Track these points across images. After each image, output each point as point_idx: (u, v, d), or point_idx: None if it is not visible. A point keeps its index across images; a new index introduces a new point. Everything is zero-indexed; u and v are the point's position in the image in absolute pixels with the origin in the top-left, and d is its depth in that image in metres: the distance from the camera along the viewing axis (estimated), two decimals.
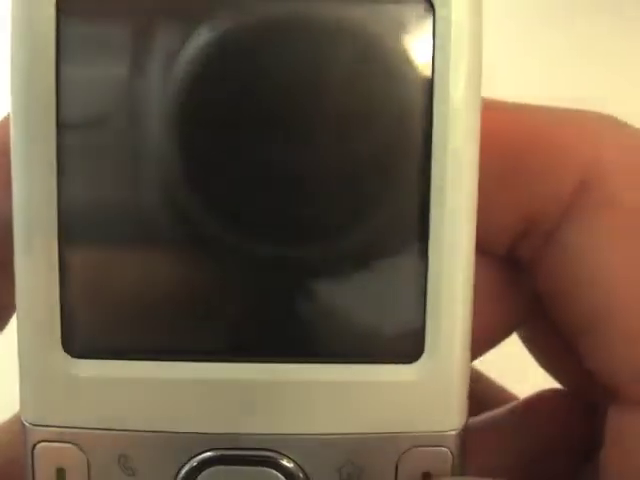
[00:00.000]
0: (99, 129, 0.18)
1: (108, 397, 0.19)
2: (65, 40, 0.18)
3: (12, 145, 0.18)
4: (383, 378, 0.19)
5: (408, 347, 0.19)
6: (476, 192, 0.19)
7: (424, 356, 0.19)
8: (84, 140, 0.18)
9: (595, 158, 0.20)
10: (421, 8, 0.18)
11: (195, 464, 0.19)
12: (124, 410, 0.19)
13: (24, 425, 0.19)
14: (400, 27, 0.18)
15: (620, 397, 0.20)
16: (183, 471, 0.19)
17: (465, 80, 0.18)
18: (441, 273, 0.19)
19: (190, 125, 0.18)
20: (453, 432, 0.19)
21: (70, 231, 0.18)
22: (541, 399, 0.24)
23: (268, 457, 0.19)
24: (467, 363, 0.19)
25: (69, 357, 0.19)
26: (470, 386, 0.20)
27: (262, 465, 0.19)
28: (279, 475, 0.19)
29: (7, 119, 0.20)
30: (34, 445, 0.19)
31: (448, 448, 0.19)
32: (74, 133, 0.18)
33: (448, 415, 0.19)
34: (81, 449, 0.19)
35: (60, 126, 0.18)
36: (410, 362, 0.19)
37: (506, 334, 0.23)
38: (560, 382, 0.25)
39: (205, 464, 0.19)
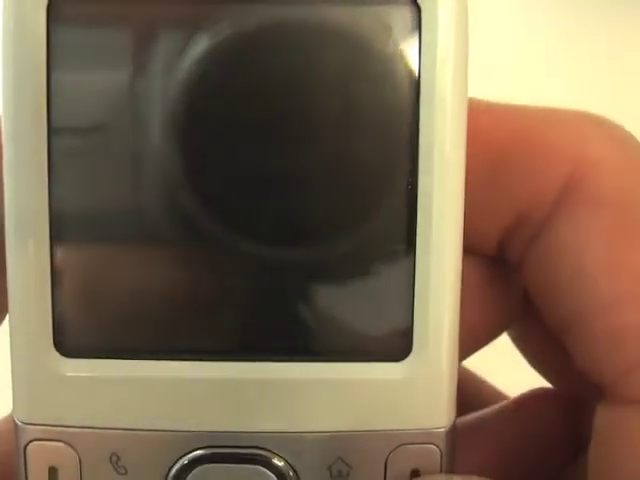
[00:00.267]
0: (89, 131, 0.19)
1: (100, 396, 0.19)
2: (56, 44, 0.18)
3: (4, 146, 0.18)
4: (372, 376, 0.19)
5: (396, 345, 0.19)
6: (463, 192, 0.19)
7: (412, 354, 0.19)
8: (75, 142, 0.19)
9: (580, 157, 0.20)
10: (407, 10, 0.18)
11: (186, 462, 0.19)
12: (115, 409, 0.19)
13: (16, 424, 0.19)
14: (386, 29, 0.18)
15: (607, 395, 0.21)
16: (174, 469, 0.19)
17: (452, 81, 0.18)
18: (428, 272, 0.19)
19: (181, 128, 0.18)
20: (442, 429, 0.19)
21: (61, 231, 0.19)
22: (530, 398, 0.25)
23: (258, 455, 0.19)
24: (455, 361, 0.19)
25: (61, 356, 0.19)
26: (460, 385, 0.20)
27: (252, 463, 0.19)
28: (269, 473, 0.19)
29: None
30: (26, 444, 0.19)
31: (437, 445, 0.19)
32: (65, 135, 0.18)
33: (437, 413, 0.19)
34: (73, 448, 0.19)
35: (51, 128, 0.18)
36: (398, 360, 0.19)
37: (495, 334, 0.23)
38: (550, 381, 0.25)
39: (196, 462, 0.19)
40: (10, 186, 0.18)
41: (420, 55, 0.18)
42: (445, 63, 0.18)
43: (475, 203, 0.19)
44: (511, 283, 0.22)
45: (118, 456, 0.19)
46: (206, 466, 0.19)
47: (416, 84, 0.18)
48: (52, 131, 0.18)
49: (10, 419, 0.20)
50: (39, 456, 0.19)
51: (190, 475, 0.19)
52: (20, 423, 0.19)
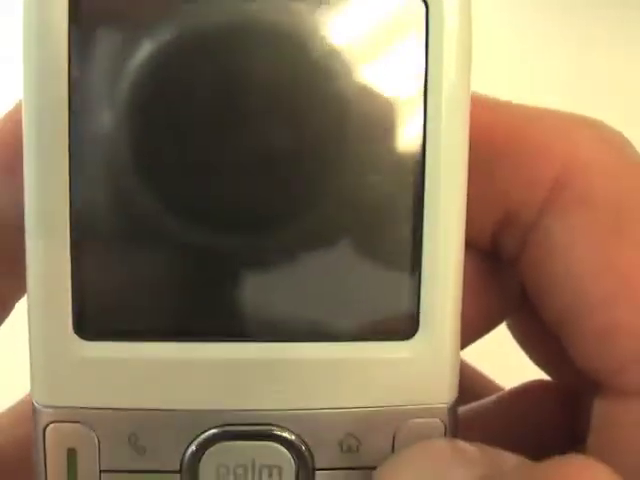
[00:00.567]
0: (107, 123, 0.19)
1: (117, 377, 0.20)
2: (78, 43, 0.19)
3: (25, 133, 0.19)
4: (380, 355, 0.20)
5: (404, 325, 0.20)
6: (466, 180, 0.20)
7: (419, 333, 0.20)
8: (95, 130, 0.19)
9: (571, 155, 0.21)
10: (415, 6, 0.19)
11: (202, 441, 0.20)
12: (133, 390, 0.20)
13: (35, 407, 0.20)
14: (393, 24, 0.19)
15: (603, 388, 0.21)
16: (191, 448, 0.20)
17: (457, 75, 0.19)
18: (435, 256, 0.20)
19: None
20: (445, 405, 0.20)
21: (80, 218, 0.19)
22: (527, 390, 0.25)
23: (272, 432, 0.20)
24: (458, 341, 0.20)
25: (79, 339, 0.19)
26: None
27: (266, 439, 0.20)
28: (283, 449, 0.20)
29: (15, 111, 0.20)
30: (45, 426, 0.20)
31: (441, 420, 0.20)
32: (86, 122, 0.19)
33: (441, 389, 0.20)
34: (92, 429, 0.20)
35: (72, 116, 0.19)
36: (406, 339, 0.20)
37: (492, 325, 0.24)
38: (547, 373, 0.25)
39: (211, 441, 0.20)
40: (31, 173, 0.19)
41: (427, 50, 0.19)
42: (451, 57, 0.19)
43: (470, 197, 0.20)
44: (507, 276, 0.23)
45: (137, 436, 0.20)
46: (221, 444, 0.20)
47: (423, 78, 0.19)
48: (73, 116, 0.19)
49: (27, 402, 0.20)
50: (58, 438, 0.20)
51: (206, 453, 0.20)
52: (39, 406, 0.20)
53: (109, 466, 0.20)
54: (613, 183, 0.21)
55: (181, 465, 0.20)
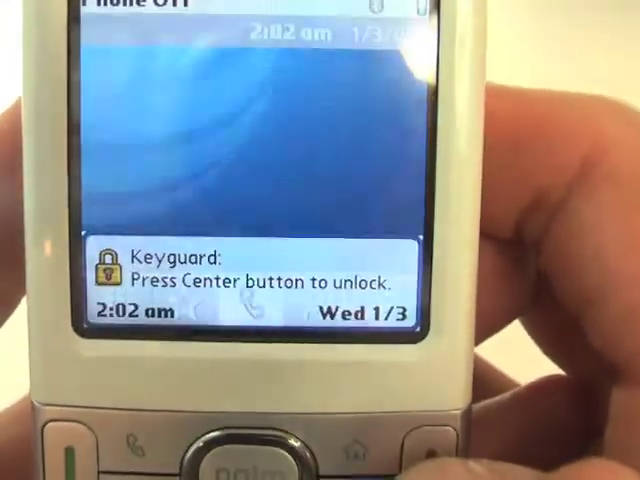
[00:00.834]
0: (109, 121, 0.19)
1: (117, 377, 0.19)
2: (76, 38, 0.18)
3: (24, 132, 0.19)
4: (389, 358, 0.19)
5: (413, 327, 0.19)
6: (480, 176, 0.19)
7: (429, 336, 0.19)
8: (95, 129, 0.19)
9: (599, 134, 0.20)
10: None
11: (202, 444, 0.19)
12: (132, 389, 0.19)
13: (34, 405, 0.19)
14: (406, 10, 0.18)
15: (623, 374, 0.21)
16: (191, 450, 0.19)
17: (470, 65, 0.19)
18: (446, 255, 0.19)
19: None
20: (457, 411, 0.19)
21: (80, 215, 0.19)
22: (543, 385, 0.25)
23: (275, 436, 0.19)
24: (471, 344, 0.20)
25: (79, 337, 0.19)
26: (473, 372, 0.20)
27: (269, 444, 0.19)
28: (286, 454, 0.19)
29: (14, 109, 0.20)
30: (43, 425, 0.19)
31: (453, 427, 0.19)
32: (85, 120, 0.19)
33: (452, 395, 0.19)
34: (90, 428, 0.19)
35: (71, 115, 0.19)
36: (415, 342, 0.19)
37: (509, 319, 0.24)
38: (562, 368, 0.25)
39: (212, 443, 0.19)
40: (30, 172, 0.19)
41: (439, 39, 0.18)
42: (464, 47, 0.18)
43: (493, 186, 0.19)
44: (525, 268, 0.22)
45: (135, 437, 0.19)
46: (223, 447, 0.19)
47: (435, 67, 0.18)
48: (70, 109, 0.18)
49: (27, 400, 0.20)
50: (56, 436, 0.19)
51: (207, 456, 0.19)
52: (37, 404, 0.19)
53: (107, 467, 0.19)
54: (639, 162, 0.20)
55: (180, 468, 0.19)
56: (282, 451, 0.19)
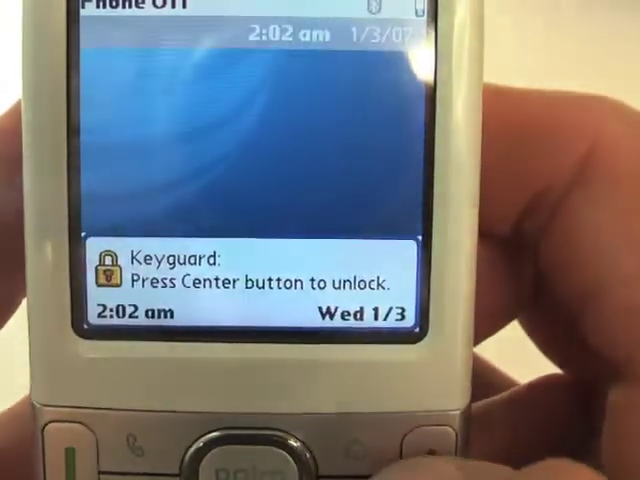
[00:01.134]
0: (108, 122, 0.19)
1: (116, 377, 0.19)
2: (75, 38, 0.18)
3: (24, 133, 0.19)
4: (388, 358, 0.19)
5: (412, 328, 0.19)
6: (478, 176, 0.19)
7: (428, 336, 0.19)
8: (95, 130, 0.19)
9: (598, 134, 0.20)
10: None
11: (202, 444, 0.19)
12: (132, 390, 0.19)
13: (34, 406, 0.19)
14: (404, 10, 0.19)
15: (621, 372, 0.21)
16: (190, 451, 0.19)
17: (468, 64, 0.19)
18: (445, 256, 0.19)
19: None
20: (457, 411, 0.19)
21: (79, 216, 0.19)
22: (541, 384, 0.25)
23: (275, 436, 0.19)
24: (470, 344, 0.20)
25: (79, 338, 0.19)
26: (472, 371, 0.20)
27: (269, 444, 0.19)
28: (285, 454, 0.19)
29: (15, 110, 0.20)
30: (44, 425, 0.19)
31: (452, 427, 0.19)
32: (85, 121, 0.19)
33: (452, 394, 0.19)
34: (90, 429, 0.19)
35: (71, 116, 0.19)
36: (414, 342, 0.19)
37: (508, 319, 0.24)
38: (560, 367, 0.25)
39: (212, 444, 0.19)
40: (30, 168, 0.19)
41: (436, 40, 0.19)
42: (462, 47, 0.19)
43: (492, 185, 0.20)
44: (523, 267, 0.22)
45: (135, 437, 0.19)
46: (222, 447, 0.19)
47: (433, 68, 0.19)
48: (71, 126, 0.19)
49: (27, 402, 0.20)
50: (56, 437, 0.19)
51: (207, 457, 0.19)
52: (38, 405, 0.19)
53: (108, 467, 0.19)
54: (638, 160, 0.20)
55: (180, 468, 0.19)
56: (282, 451, 0.19)
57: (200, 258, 0.19)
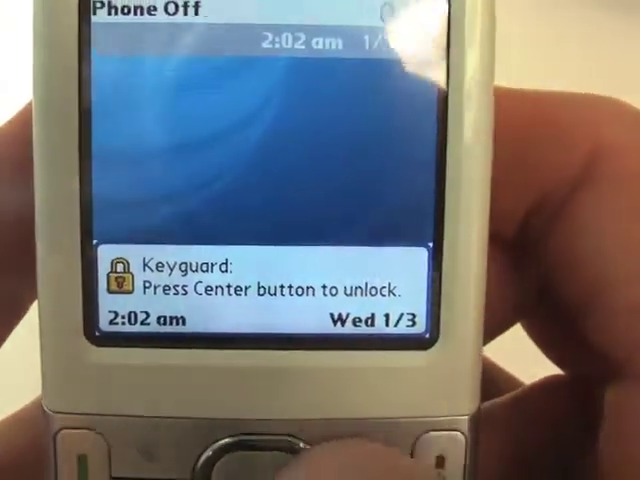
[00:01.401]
0: (121, 122, 0.19)
1: (129, 384, 0.19)
2: (88, 35, 0.18)
3: (35, 133, 0.19)
4: (399, 364, 0.19)
5: (423, 334, 0.19)
6: (489, 184, 0.19)
7: (439, 342, 0.19)
8: (107, 130, 0.19)
9: (601, 135, 0.21)
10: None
11: (215, 450, 0.19)
12: (145, 396, 0.19)
13: (46, 412, 0.19)
14: (416, 16, 0.19)
15: (621, 371, 0.21)
16: (203, 457, 0.19)
17: (479, 68, 0.19)
18: (456, 262, 0.19)
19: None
20: (467, 416, 0.20)
21: (91, 220, 0.19)
22: (543, 386, 0.25)
23: (287, 442, 0.19)
24: (480, 349, 0.20)
25: (91, 345, 0.19)
26: None
27: (281, 450, 0.19)
28: None
29: (25, 111, 0.20)
30: (56, 432, 0.19)
31: (462, 432, 0.20)
32: (97, 121, 0.19)
33: (462, 400, 0.20)
34: (102, 436, 0.19)
35: (82, 116, 0.18)
36: (425, 348, 0.19)
37: (512, 321, 0.24)
38: (562, 368, 0.25)
39: (224, 450, 0.19)
40: (41, 175, 0.19)
41: (449, 39, 0.19)
42: (473, 51, 0.19)
43: (497, 185, 0.20)
44: (527, 269, 0.23)
45: (148, 444, 0.19)
46: (234, 454, 0.19)
47: (445, 76, 0.19)
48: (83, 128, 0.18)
49: (36, 406, 0.20)
50: (68, 444, 0.19)
51: (219, 462, 0.19)
52: (49, 411, 0.19)
53: (120, 473, 0.19)
54: None
55: (192, 474, 0.19)
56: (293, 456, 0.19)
57: (212, 265, 0.19)
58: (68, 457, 0.19)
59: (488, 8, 0.19)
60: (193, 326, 0.19)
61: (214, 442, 0.19)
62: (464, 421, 0.20)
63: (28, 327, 0.22)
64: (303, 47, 0.19)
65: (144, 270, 0.19)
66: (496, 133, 0.19)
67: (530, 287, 0.23)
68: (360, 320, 0.19)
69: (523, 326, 0.25)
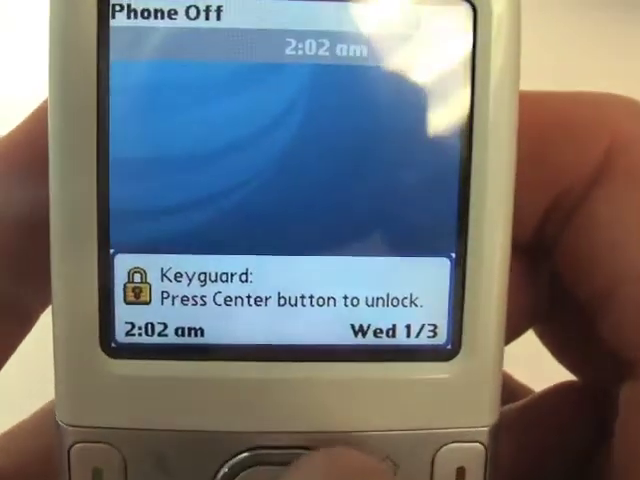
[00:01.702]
0: (139, 124, 0.18)
1: (145, 397, 0.19)
2: (106, 39, 0.18)
3: (50, 136, 0.18)
4: (420, 375, 0.19)
5: (445, 345, 0.19)
6: (513, 195, 0.19)
7: (461, 354, 0.19)
8: (126, 132, 0.18)
9: (616, 133, 0.21)
10: (463, 9, 0.18)
11: (233, 465, 0.19)
12: (161, 410, 0.19)
13: (59, 426, 0.19)
14: (442, 28, 0.18)
15: (636, 368, 0.21)
16: (221, 473, 0.19)
17: (505, 76, 0.18)
18: (478, 273, 0.19)
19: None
20: (487, 428, 0.19)
21: (108, 230, 0.18)
22: (557, 392, 0.25)
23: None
24: (501, 360, 0.20)
25: (106, 357, 0.19)
26: None
27: None
28: None
29: (38, 112, 0.19)
30: (70, 446, 0.19)
31: (482, 443, 0.19)
32: (115, 124, 0.18)
33: (482, 411, 0.19)
34: (118, 449, 0.19)
35: (100, 118, 0.18)
36: (447, 360, 0.19)
37: (526, 327, 0.24)
38: (574, 373, 0.25)
39: (242, 465, 0.19)
40: (58, 183, 0.18)
41: (474, 51, 0.18)
42: (500, 59, 0.18)
43: (520, 188, 0.19)
44: (541, 274, 0.22)
45: (164, 458, 0.19)
46: (254, 468, 0.19)
47: (470, 83, 0.18)
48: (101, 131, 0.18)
49: (48, 411, 0.19)
50: (83, 458, 0.19)
51: (237, 478, 0.19)
52: (63, 425, 0.19)
53: None
54: None
55: None
56: None
57: (232, 275, 0.19)
58: (83, 471, 0.19)
59: (514, 14, 0.18)
60: (212, 337, 0.19)
61: (232, 457, 0.19)
62: (485, 433, 0.19)
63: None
64: (327, 54, 0.18)
65: (162, 280, 0.19)
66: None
67: (543, 293, 0.23)
68: (381, 331, 0.19)
69: (536, 332, 0.25)
